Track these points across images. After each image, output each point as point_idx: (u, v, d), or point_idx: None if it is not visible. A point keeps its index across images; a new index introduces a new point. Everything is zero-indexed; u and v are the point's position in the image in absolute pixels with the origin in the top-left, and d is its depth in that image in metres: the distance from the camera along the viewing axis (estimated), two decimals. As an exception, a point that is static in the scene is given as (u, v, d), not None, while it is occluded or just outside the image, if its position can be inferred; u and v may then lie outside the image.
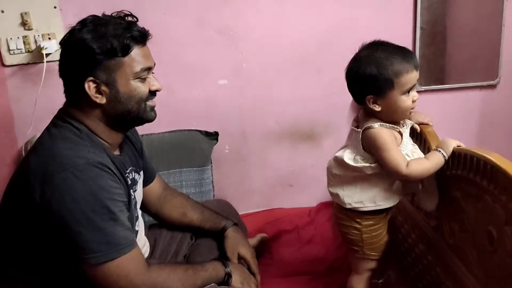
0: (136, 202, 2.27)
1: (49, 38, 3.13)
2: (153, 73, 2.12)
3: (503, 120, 3.65)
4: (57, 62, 2.05)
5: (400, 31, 3.36)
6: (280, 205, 3.67)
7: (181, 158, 3.23)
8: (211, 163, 3.36)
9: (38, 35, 3.13)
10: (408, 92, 2.13)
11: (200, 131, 3.31)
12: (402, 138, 2.21)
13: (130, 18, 2.07)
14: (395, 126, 2.18)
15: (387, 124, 2.16)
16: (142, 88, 2.04)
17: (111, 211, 1.90)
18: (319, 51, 3.36)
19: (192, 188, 3.22)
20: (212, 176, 3.35)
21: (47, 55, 3.10)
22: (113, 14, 2.07)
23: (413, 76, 2.10)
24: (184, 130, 3.32)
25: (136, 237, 2.20)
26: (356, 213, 2.33)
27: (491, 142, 3.63)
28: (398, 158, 2.12)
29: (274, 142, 3.53)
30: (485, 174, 1.89)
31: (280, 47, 3.33)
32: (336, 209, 2.44)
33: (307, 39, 3.34)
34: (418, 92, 3.37)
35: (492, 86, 3.56)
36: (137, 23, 2.07)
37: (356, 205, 2.30)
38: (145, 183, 2.48)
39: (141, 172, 2.40)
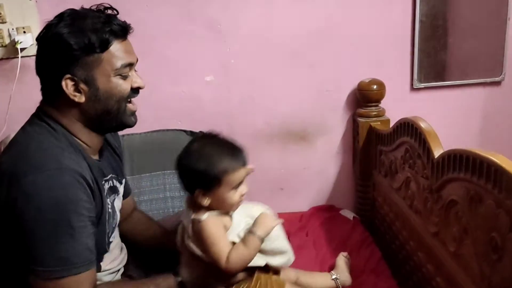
0: (113, 212, 2.25)
1: (24, 32, 3.10)
2: (135, 70, 2.11)
3: (508, 119, 3.64)
4: (33, 58, 2.04)
5: (398, 24, 3.34)
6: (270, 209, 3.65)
7: (165, 160, 3.19)
8: (197, 165, 3.31)
9: (13, 29, 3.09)
10: (237, 188, 2.20)
11: (184, 131, 3.29)
12: (232, 220, 2.27)
13: (110, 11, 2.06)
14: (223, 211, 2.25)
15: (215, 212, 2.22)
16: (123, 86, 2.03)
17: (71, 225, 1.87)
18: (312, 46, 3.34)
19: (176, 192, 3.19)
20: (197, 179, 3.31)
21: (22, 49, 3.06)
22: (92, 7, 2.06)
23: (241, 173, 2.19)
24: (168, 130, 3.30)
25: (108, 248, 2.21)
26: None
27: (495, 143, 3.62)
28: (220, 251, 2.16)
29: (264, 143, 3.51)
30: (488, 177, 1.86)
31: (271, 41, 3.31)
32: None
33: (299, 32, 3.31)
34: (417, 89, 3.44)
35: (496, 83, 3.54)
36: (118, 16, 2.06)
37: None
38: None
39: (124, 181, 2.40)
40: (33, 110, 2.11)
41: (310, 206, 3.64)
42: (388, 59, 3.40)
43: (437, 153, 2.31)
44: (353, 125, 3.48)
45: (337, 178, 3.65)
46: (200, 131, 3.26)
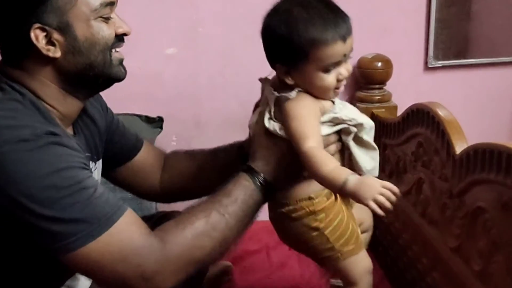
0: None
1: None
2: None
3: (546, 105, 3.65)
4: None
5: (410, -15, 3.36)
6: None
7: (114, 150, 3.17)
8: (154, 158, 3.30)
9: None
10: (331, 68, 2.03)
11: (139, 116, 3.29)
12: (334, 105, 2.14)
13: None
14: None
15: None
16: (106, 31, 1.98)
17: (78, 179, 1.83)
18: (301, 12, 3.33)
19: (128, 193, 3.17)
20: (154, 175, 3.29)
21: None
22: None
23: (337, 49, 2.00)
24: (119, 114, 3.24)
25: None
26: (304, 211, 2.22)
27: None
28: (303, 129, 2.03)
29: (238, 132, 3.45)
30: (527, 178, 1.85)
31: (248, 5, 3.27)
32: (278, 220, 2.34)
33: (285, -6, 3.30)
34: (433, 69, 3.41)
35: (532, 62, 3.56)
36: None
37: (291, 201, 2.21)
38: (126, 159, 2.53)
39: (99, 162, 2.36)
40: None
41: (294, 213, 3.63)
42: (397, 30, 3.40)
43: (459, 148, 2.29)
44: (351, 112, 3.46)
45: (330, 178, 3.64)
46: (159, 116, 3.25)
